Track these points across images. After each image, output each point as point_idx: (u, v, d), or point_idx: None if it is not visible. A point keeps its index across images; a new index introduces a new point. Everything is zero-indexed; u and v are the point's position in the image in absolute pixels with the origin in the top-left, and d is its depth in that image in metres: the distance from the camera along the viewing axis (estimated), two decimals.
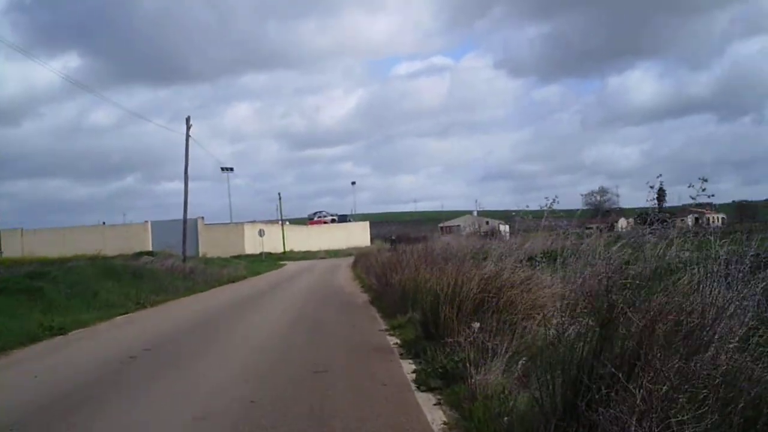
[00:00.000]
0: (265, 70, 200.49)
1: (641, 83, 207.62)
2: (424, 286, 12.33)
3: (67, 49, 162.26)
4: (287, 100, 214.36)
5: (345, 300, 20.83)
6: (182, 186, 36.91)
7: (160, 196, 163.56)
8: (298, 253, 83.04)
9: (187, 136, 36.70)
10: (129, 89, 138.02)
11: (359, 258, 45.45)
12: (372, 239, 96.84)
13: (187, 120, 37.04)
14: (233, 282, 35.99)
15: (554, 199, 10.90)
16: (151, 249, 74.66)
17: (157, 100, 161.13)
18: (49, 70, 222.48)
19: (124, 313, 18.77)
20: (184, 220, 37.80)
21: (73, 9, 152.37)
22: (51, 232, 77.44)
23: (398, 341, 11.75)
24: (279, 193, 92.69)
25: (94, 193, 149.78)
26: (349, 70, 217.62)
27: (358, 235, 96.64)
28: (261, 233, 74.30)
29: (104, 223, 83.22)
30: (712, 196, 6.75)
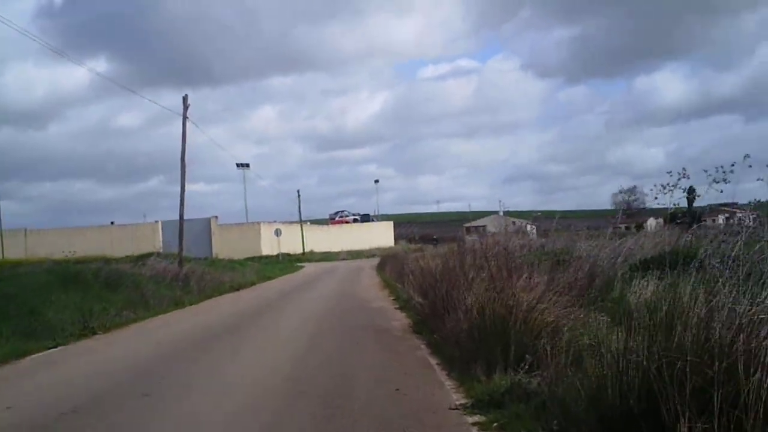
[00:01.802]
0: (291, 73, 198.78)
1: (668, 84, 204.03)
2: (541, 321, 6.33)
3: (95, 53, 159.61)
4: (313, 102, 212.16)
5: (375, 323, 14.77)
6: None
7: (185, 198, 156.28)
8: (319, 254, 78.05)
9: (185, 117, 30.93)
10: (155, 92, 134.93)
11: (386, 260, 39.48)
12: (396, 240, 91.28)
13: (184, 99, 31.27)
14: (237, 290, 30.21)
15: None
16: (161, 250, 70.11)
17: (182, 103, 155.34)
18: (88, 70, 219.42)
19: (51, 347, 12.92)
20: (181, 216, 32.03)
21: (100, 13, 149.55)
22: (56, 233, 72.48)
23: None
24: (298, 191, 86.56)
25: (118, 194, 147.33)
26: (376, 72, 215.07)
27: (382, 236, 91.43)
28: (277, 233, 68.78)
29: (113, 222, 77.99)
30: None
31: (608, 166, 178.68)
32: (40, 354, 12.11)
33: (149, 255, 46.88)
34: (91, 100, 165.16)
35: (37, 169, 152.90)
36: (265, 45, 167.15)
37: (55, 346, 13.01)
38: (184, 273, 28.75)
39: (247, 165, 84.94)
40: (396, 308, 17.50)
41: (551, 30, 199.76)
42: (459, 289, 11.45)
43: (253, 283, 34.71)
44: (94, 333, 15.01)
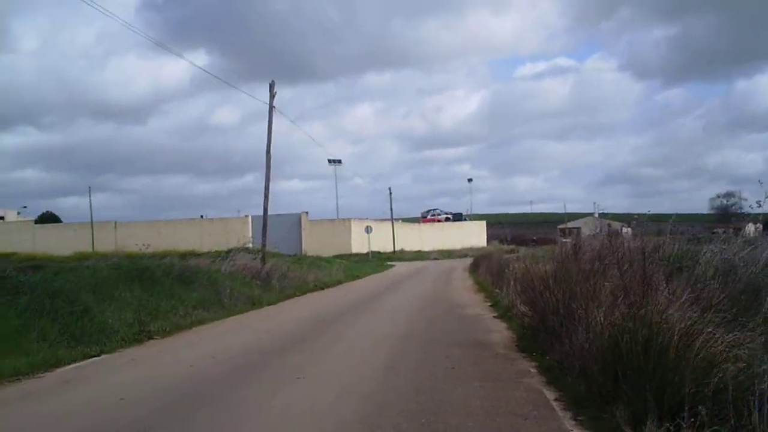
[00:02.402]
0: (388, 70, 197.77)
1: None
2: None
3: (195, 49, 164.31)
4: (408, 100, 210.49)
5: (470, 336, 12.29)
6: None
7: (277, 195, 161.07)
8: (409, 253, 76.01)
9: (271, 105, 29.40)
10: (251, 88, 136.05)
11: (479, 261, 36.82)
12: (488, 240, 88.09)
13: (271, 86, 29.71)
14: (322, 289, 28.40)
15: None
16: (250, 245, 69.77)
17: (280, 99, 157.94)
18: (189, 63, 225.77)
19: (92, 355, 11.17)
20: (265, 209, 30.47)
21: (200, 7, 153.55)
22: (145, 226, 73.44)
23: None
24: (389, 188, 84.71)
25: (213, 190, 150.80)
26: (472, 70, 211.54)
27: (474, 235, 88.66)
28: (368, 230, 67.17)
29: (202, 216, 78.53)
30: None
31: (704, 171, 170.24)
32: (72, 366, 10.30)
33: (233, 250, 46.30)
34: (189, 96, 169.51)
35: (134, 163, 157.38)
36: (362, 41, 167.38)
37: (98, 354, 11.26)
38: (266, 270, 27.19)
39: (339, 161, 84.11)
40: (494, 317, 14.93)
41: (650, 29, 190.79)
42: (581, 299, 8.89)
43: (339, 282, 32.87)
44: (150, 337, 13.27)
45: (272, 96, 29.57)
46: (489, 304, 18.01)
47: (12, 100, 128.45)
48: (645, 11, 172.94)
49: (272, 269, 27.39)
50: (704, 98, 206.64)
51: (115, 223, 74.10)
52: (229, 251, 31.79)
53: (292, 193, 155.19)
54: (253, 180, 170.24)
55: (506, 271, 15.41)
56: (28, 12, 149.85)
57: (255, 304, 20.62)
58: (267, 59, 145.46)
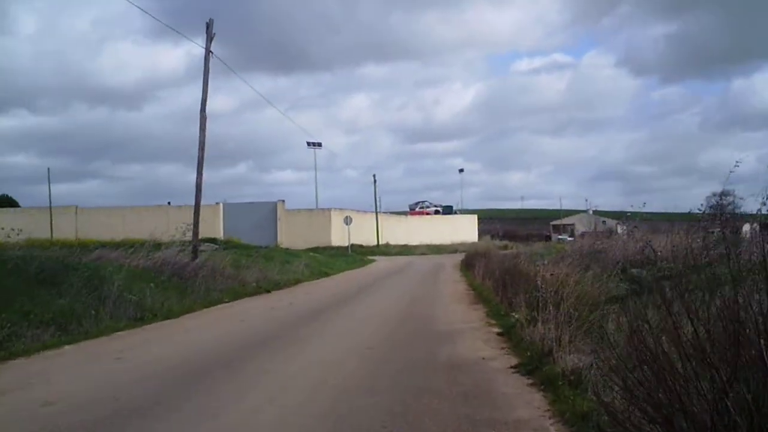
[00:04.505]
0: (386, 62, 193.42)
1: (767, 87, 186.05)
2: None
3: (192, 36, 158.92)
4: (405, 93, 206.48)
5: (462, 388, 5.84)
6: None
7: (269, 185, 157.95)
8: (395, 247, 69.59)
9: (207, 50, 22.56)
10: (249, 77, 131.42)
11: (474, 258, 30.20)
12: (479, 235, 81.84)
13: (208, 26, 22.75)
14: (268, 291, 21.74)
15: None
16: (221, 234, 63.17)
17: (276, 89, 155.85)
18: (185, 52, 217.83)
19: None
20: (197, 187, 23.68)
21: None
22: (110, 212, 66.79)
23: None
24: (374, 176, 77.63)
25: (205, 179, 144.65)
26: (470, 63, 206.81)
27: (465, 230, 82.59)
28: (347, 221, 60.32)
29: (169, 203, 71.40)
30: None
31: (698, 169, 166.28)
32: None
33: (203, 241, 39.57)
34: (184, 83, 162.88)
35: (125, 149, 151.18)
36: (361, 32, 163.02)
37: None
38: (193, 267, 20.47)
39: (319, 144, 77.16)
40: (500, 347, 8.40)
41: (649, 26, 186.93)
42: None
43: (297, 282, 26.16)
44: None
45: (209, 38, 22.71)
46: (495, 326, 11.39)
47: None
48: (644, 8, 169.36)
49: (201, 267, 20.67)
50: (701, 96, 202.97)
51: (76, 208, 66.91)
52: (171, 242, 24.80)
53: (282, 184, 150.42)
54: (246, 168, 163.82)
55: (539, 286, 8.51)
56: None
57: (140, 319, 13.95)
58: (264, 48, 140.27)
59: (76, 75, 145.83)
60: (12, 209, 74.31)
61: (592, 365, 5.99)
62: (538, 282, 8.98)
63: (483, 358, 8.72)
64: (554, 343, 7.14)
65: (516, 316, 10.18)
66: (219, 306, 17.28)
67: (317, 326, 13.16)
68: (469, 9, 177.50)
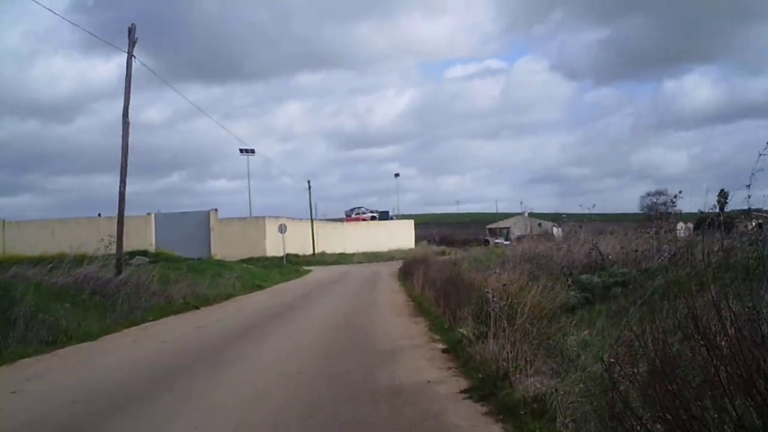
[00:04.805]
0: (320, 71, 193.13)
1: (696, 88, 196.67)
2: None
3: (124, 48, 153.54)
4: (339, 100, 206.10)
5: (408, 422, 4.99)
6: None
7: (204, 195, 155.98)
8: (331, 255, 68.36)
9: (130, 54, 21.25)
10: (183, 87, 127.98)
11: (412, 265, 29.55)
12: (416, 241, 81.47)
13: (131, 30, 21.49)
14: (197, 307, 20.50)
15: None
16: (153, 246, 60.76)
17: (210, 98, 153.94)
18: (116, 65, 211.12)
19: None
20: (121, 195, 22.28)
21: (128, 7, 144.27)
22: (39, 225, 63.15)
23: None
24: (308, 182, 75.96)
25: (140, 189, 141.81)
26: (405, 72, 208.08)
27: (402, 236, 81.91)
28: (282, 229, 58.84)
29: (100, 214, 68.36)
30: None
31: (631, 170, 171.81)
32: None
33: (135, 254, 37.51)
34: (114, 96, 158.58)
35: (58, 162, 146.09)
36: (294, 42, 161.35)
37: None
38: (116, 284, 19.05)
39: (252, 150, 75.10)
40: (461, 388, 7.58)
41: (582, 32, 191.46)
42: None
43: (229, 296, 24.92)
44: None
45: (132, 43, 21.41)
46: (441, 347, 10.61)
47: None
48: (577, 14, 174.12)
49: (125, 282, 19.27)
50: (634, 98, 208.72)
51: (3, 222, 63.12)
52: (94, 257, 23.14)
53: (217, 193, 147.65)
54: (180, 178, 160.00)
55: (490, 299, 7.63)
56: None
57: (64, 339, 12.72)
58: (197, 59, 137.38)
59: (6, 88, 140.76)
60: None
61: (556, 389, 5.22)
62: (489, 293, 8.19)
63: (428, 382, 7.94)
64: (510, 364, 6.37)
65: (462, 331, 9.41)
66: (143, 325, 16.01)
67: (245, 346, 12.14)
68: (403, 18, 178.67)
